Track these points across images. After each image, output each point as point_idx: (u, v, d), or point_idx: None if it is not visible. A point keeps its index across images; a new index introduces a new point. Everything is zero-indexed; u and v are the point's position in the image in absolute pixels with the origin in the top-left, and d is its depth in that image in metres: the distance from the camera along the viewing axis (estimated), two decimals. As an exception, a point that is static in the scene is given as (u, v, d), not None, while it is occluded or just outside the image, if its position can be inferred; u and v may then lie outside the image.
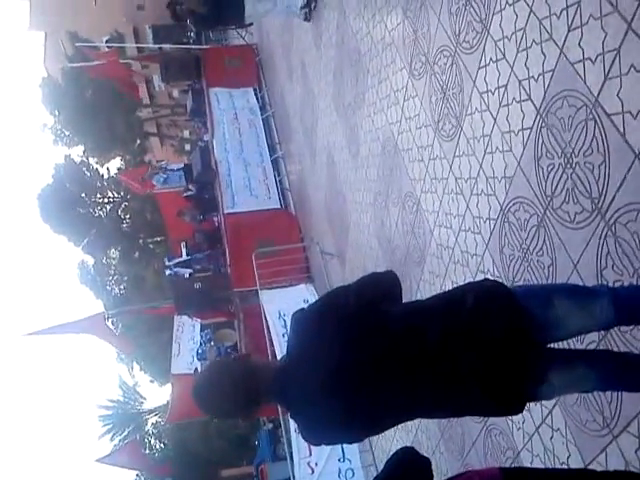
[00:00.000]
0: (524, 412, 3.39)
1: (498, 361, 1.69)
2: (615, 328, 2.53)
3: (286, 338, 1.99)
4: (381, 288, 1.87)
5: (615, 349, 2.55)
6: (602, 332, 2.59)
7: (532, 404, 3.29)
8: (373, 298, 1.82)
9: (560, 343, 1.95)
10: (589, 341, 2.72)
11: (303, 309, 1.91)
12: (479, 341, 1.69)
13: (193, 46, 16.92)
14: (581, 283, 2.69)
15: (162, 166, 17.33)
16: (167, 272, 15.44)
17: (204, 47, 16.00)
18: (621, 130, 2.42)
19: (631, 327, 2.46)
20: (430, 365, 1.73)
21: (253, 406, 1.89)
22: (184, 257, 14.88)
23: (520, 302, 1.73)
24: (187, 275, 13.92)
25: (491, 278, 1.98)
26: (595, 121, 2.57)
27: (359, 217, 6.58)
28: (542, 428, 3.32)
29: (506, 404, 1.76)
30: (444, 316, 1.75)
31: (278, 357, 2.03)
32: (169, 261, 15.70)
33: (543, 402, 3.24)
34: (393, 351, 1.76)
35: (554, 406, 3.15)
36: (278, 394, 1.87)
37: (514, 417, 3.61)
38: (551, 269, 3.05)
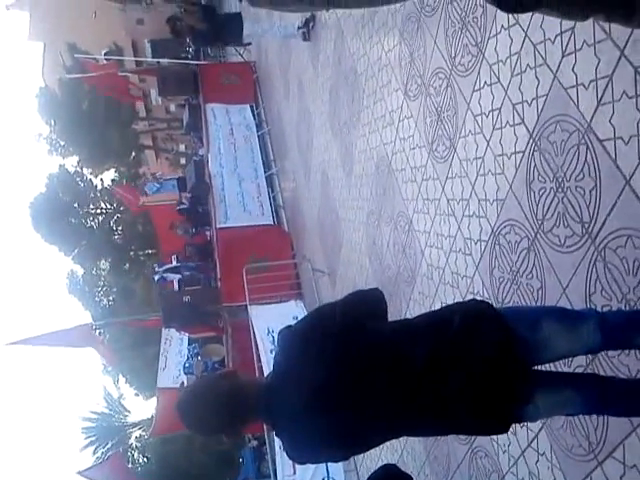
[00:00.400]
0: (510, 435, 3.39)
1: (484, 380, 1.69)
2: (602, 353, 2.54)
3: (274, 354, 1.98)
4: (367, 306, 1.86)
5: (602, 374, 2.55)
6: (589, 356, 2.59)
7: (518, 427, 3.29)
8: (359, 315, 1.82)
9: (547, 365, 1.95)
10: (576, 365, 2.72)
11: (290, 326, 1.91)
12: (466, 361, 1.69)
13: (191, 61, 17.03)
14: (569, 307, 2.70)
15: (156, 176, 17.38)
16: (156, 277, 15.37)
17: (202, 63, 16.11)
18: (613, 156, 2.45)
19: (618, 352, 2.47)
20: (416, 384, 1.72)
21: (238, 424, 1.87)
22: (174, 264, 14.83)
23: (508, 323, 1.73)
24: (176, 281, 13.87)
25: (479, 299, 1.98)
26: (587, 146, 2.60)
27: (351, 235, 6.59)
28: (528, 452, 3.30)
29: (491, 423, 1.75)
30: (431, 336, 1.75)
31: (265, 373, 2.01)
32: (159, 267, 15.65)
33: (529, 426, 3.23)
34: (378, 370, 1.75)
35: (540, 430, 3.14)
36: (263, 412, 1.85)
37: (500, 440, 3.60)
38: (540, 292, 3.06)
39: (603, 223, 2.55)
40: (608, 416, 2.48)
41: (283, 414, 1.80)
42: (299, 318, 1.99)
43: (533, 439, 3.24)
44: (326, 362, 1.76)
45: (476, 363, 1.68)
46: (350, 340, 1.77)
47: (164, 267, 15.14)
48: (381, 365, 1.75)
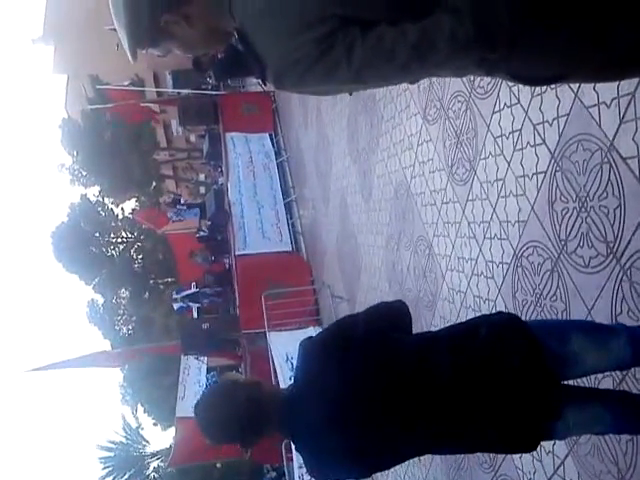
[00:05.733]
0: (535, 462, 3.30)
1: (512, 393, 1.65)
2: (631, 374, 2.48)
3: (294, 366, 1.95)
4: (390, 318, 1.83)
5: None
6: (619, 374, 2.53)
7: (544, 454, 3.20)
8: (382, 328, 1.79)
9: (576, 381, 1.91)
10: (606, 384, 2.65)
11: (311, 337, 1.88)
12: (492, 372, 1.65)
13: (211, 92, 17.28)
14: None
15: (176, 198, 17.48)
16: (175, 306, 15.39)
17: (222, 93, 16.34)
18: (637, 174, 2.42)
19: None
20: (441, 397, 1.69)
21: (254, 434, 1.83)
22: (192, 290, 14.87)
23: (536, 335, 1.70)
24: (195, 309, 13.89)
25: (506, 311, 1.94)
26: (610, 165, 2.57)
27: (370, 260, 6.56)
28: (554, 479, 3.21)
29: (519, 439, 1.70)
30: (456, 347, 1.71)
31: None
32: (177, 294, 15.69)
33: (555, 452, 3.15)
34: (403, 385, 1.72)
35: (566, 456, 3.06)
36: (282, 425, 1.81)
37: (525, 467, 3.50)
38: (565, 314, 3.00)
39: (628, 242, 2.50)
40: (637, 436, 2.40)
41: (303, 427, 1.77)
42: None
43: (559, 466, 3.15)
44: (347, 374, 1.73)
45: (503, 374, 1.64)
46: (373, 352, 1.74)
47: (182, 294, 15.19)
48: (405, 377, 1.71)
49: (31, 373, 11.95)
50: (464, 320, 1.82)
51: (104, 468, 30.87)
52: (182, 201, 18.58)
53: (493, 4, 1.13)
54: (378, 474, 2.04)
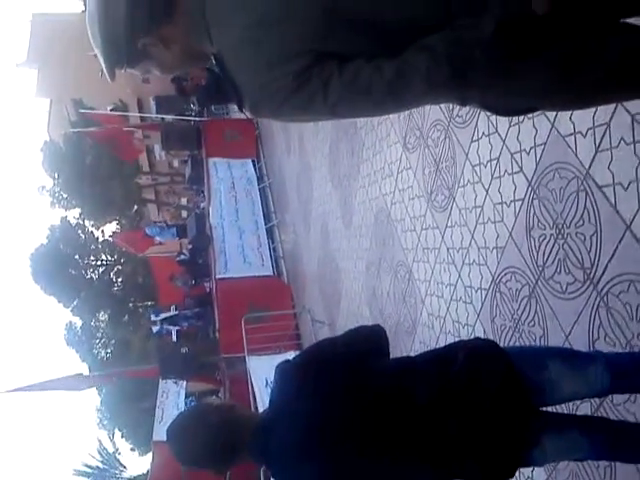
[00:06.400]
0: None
1: (489, 421, 1.65)
2: (608, 400, 2.50)
3: (270, 389, 1.93)
4: (368, 341, 1.83)
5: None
6: (597, 400, 2.55)
7: (523, 479, 3.20)
8: (359, 351, 1.79)
9: (553, 408, 1.92)
10: (583, 412, 2.67)
11: (288, 360, 1.87)
12: (469, 398, 1.65)
13: (195, 118, 17.35)
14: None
15: (156, 222, 17.46)
16: (154, 329, 15.21)
17: (205, 119, 16.40)
18: (612, 201, 2.46)
19: (624, 398, 2.42)
20: (418, 423, 1.68)
21: (227, 459, 1.80)
22: (172, 312, 14.73)
23: (513, 361, 1.70)
24: (174, 332, 13.74)
25: (483, 337, 1.95)
26: (586, 192, 2.62)
27: (351, 285, 6.57)
28: (533, 506, 3.20)
29: (496, 467, 1.70)
30: (434, 373, 1.71)
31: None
32: (155, 316, 15.51)
33: (534, 478, 3.14)
34: (379, 410, 1.71)
35: (545, 483, 3.06)
36: (256, 449, 1.78)
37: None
38: (543, 340, 3.03)
39: (605, 268, 2.54)
40: (617, 462, 2.41)
41: (278, 452, 1.74)
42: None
43: (538, 493, 3.14)
44: (323, 398, 1.71)
45: (479, 400, 1.65)
46: (350, 375, 1.73)
47: (161, 316, 15.04)
48: (382, 401, 1.70)
49: (8, 394, 11.82)
50: (442, 345, 1.84)
51: (79, 495, 30.17)
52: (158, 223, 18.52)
53: (468, 45, 1.15)
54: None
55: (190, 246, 14.55)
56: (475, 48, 1.15)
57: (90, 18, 1.30)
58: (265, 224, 11.75)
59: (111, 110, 25.55)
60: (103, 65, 1.35)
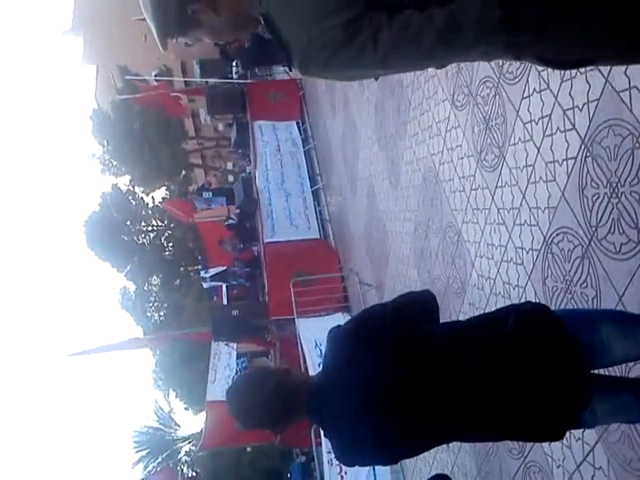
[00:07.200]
0: (564, 449, 3.30)
1: (540, 383, 1.65)
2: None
3: (323, 353, 1.99)
4: (418, 308, 1.85)
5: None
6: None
7: (573, 441, 3.20)
8: (410, 317, 1.80)
9: (606, 371, 1.90)
10: (635, 374, 2.63)
11: (339, 326, 1.90)
12: (520, 362, 1.66)
13: (239, 80, 17.33)
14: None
15: (203, 186, 17.59)
16: (205, 285, 15.53)
17: (249, 81, 16.38)
18: (669, 159, 2.38)
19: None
20: (469, 384, 1.70)
21: (284, 420, 1.88)
22: (221, 268, 15.01)
23: (564, 324, 1.69)
24: (225, 290, 14.00)
25: (534, 301, 1.93)
26: (642, 150, 2.53)
27: (399, 247, 6.56)
28: (583, 466, 3.20)
29: (546, 428, 1.71)
30: (484, 335, 1.72)
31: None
32: (205, 272, 15.85)
33: (584, 439, 3.14)
34: (430, 374, 1.73)
35: (596, 443, 3.05)
36: (311, 412, 1.85)
37: (554, 454, 3.50)
38: (595, 301, 2.98)
39: (660, 228, 2.48)
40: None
41: (332, 414, 1.80)
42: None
43: (589, 453, 3.14)
44: (375, 363, 1.75)
45: (530, 361, 1.65)
46: (401, 340, 1.76)
47: (210, 272, 15.36)
48: (433, 365, 1.72)
49: (72, 357, 12.33)
50: (493, 308, 1.83)
51: (137, 452, 31.51)
52: (207, 187, 18.71)
53: None
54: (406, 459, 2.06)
55: (238, 210, 14.70)
56: None
57: None
58: (311, 187, 11.77)
59: (155, 75, 25.77)
60: (155, 34, 1.36)
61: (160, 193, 34.99)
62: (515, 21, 1.13)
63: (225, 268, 15.04)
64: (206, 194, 17.36)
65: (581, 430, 3.10)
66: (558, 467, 3.48)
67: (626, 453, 2.80)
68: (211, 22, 1.35)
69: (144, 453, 31.31)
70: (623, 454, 2.83)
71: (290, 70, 1.37)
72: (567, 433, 1.77)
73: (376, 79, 1.59)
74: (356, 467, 1.99)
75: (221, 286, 15.56)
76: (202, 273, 16.49)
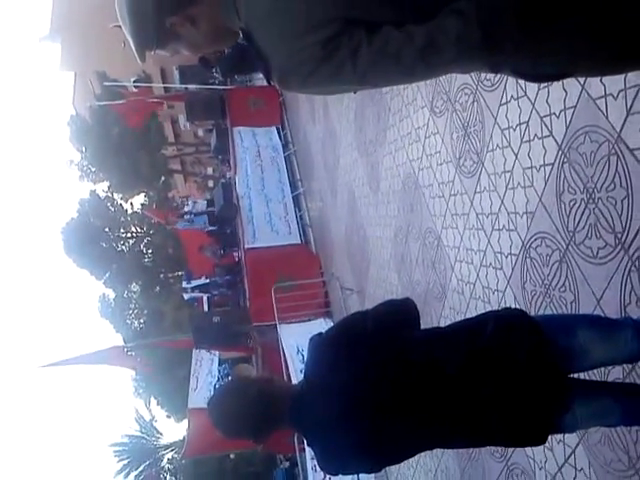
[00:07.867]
0: (546, 451, 3.33)
1: (520, 389, 1.67)
2: (639, 367, 2.50)
3: (305, 361, 1.99)
4: (398, 315, 1.86)
5: (640, 386, 2.50)
6: (627, 368, 2.55)
7: (555, 443, 3.23)
8: (391, 325, 1.82)
9: (585, 375, 1.93)
10: (614, 377, 2.68)
11: (320, 333, 1.91)
12: (499, 367, 1.68)
13: (218, 86, 17.28)
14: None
15: (187, 210, 17.44)
16: (185, 296, 15.46)
17: (229, 87, 16.34)
18: (643, 165, 2.43)
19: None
20: (449, 391, 1.72)
21: (266, 429, 1.88)
22: (203, 280, 14.94)
23: (542, 329, 1.72)
24: (205, 300, 13.96)
25: (513, 307, 1.96)
26: (617, 156, 2.58)
27: (379, 252, 6.59)
28: (565, 468, 3.24)
29: (527, 433, 1.73)
30: (464, 342, 1.74)
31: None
32: (187, 283, 15.77)
33: (566, 441, 3.18)
34: (411, 381, 1.75)
35: (577, 445, 3.09)
36: (293, 420, 1.85)
37: (536, 456, 3.54)
38: (574, 305, 3.02)
39: (636, 233, 2.52)
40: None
41: (314, 422, 1.80)
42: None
43: (570, 455, 3.18)
44: (357, 370, 1.76)
45: (510, 368, 1.67)
46: (381, 348, 1.77)
47: (192, 283, 15.28)
48: (413, 372, 1.74)
49: (46, 368, 12.07)
50: (473, 312, 1.85)
51: (119, 461, 31.20)
52: (190, 204, 18.54)
53: (499, 8, 1.14)
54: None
55: (217, 216, 14.66)
56: (507, 12, 1.14)
57: (118, 0, 1.32)
58: (292, 192, 11.78)
59: (134, 81, 25.61)
60: (133, 47, 1.36)
61: (139, 199, 34.76)
62: (494, 39, 1.15)
63: (208, 281, 14.97)
64: (187, 217, 17.10)
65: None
66: (540, 469, 3.52)
67: (606, 454, 2.84)
68: (189, 35, 1.35)
69: (126, 462, 31.00)
70: (604, 455, 2.87)
71: (269, 84, 1.38)
72: (549, 437, 1.79)
73: (354, 92, 1.60)
74: (340, 475, 1.99)
75: (202, 298, 15.50)
76: (184, 284, 16.39)
